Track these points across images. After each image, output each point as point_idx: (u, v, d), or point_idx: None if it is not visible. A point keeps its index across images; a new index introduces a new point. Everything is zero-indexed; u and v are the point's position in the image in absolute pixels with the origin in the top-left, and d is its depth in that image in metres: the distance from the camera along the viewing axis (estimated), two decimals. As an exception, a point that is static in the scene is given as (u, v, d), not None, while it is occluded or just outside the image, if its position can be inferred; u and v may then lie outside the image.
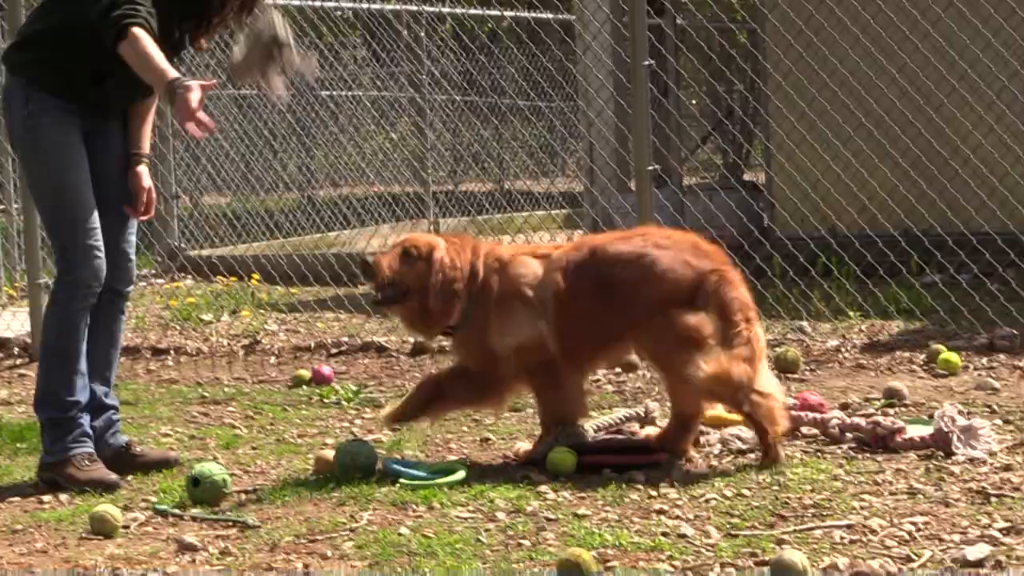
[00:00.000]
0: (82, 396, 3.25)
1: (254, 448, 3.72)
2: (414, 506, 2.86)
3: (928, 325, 5.04)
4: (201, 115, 2.95)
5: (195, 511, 2.94)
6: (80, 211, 3.20)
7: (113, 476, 3.23)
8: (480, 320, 3.17)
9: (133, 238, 3.45)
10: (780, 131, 6.62)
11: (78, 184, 3.21)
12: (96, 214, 3.22)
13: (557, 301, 3.09)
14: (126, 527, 2.86)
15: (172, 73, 2.96)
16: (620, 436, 3.38)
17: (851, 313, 5.22)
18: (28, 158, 3.37)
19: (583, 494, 2.92)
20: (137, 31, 2.97)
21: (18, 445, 3.76)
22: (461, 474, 3.06)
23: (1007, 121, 5.58)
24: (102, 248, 3.23)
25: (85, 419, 3.26)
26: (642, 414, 3.55)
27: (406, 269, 3.17)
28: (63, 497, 3.17)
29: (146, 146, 3.43)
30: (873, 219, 5.79)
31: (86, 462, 3.22)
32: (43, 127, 3.19)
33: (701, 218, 5.93)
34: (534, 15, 10.23)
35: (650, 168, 4.98)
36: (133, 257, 3.47)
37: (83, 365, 3.25)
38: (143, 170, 3.37)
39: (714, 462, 3.22)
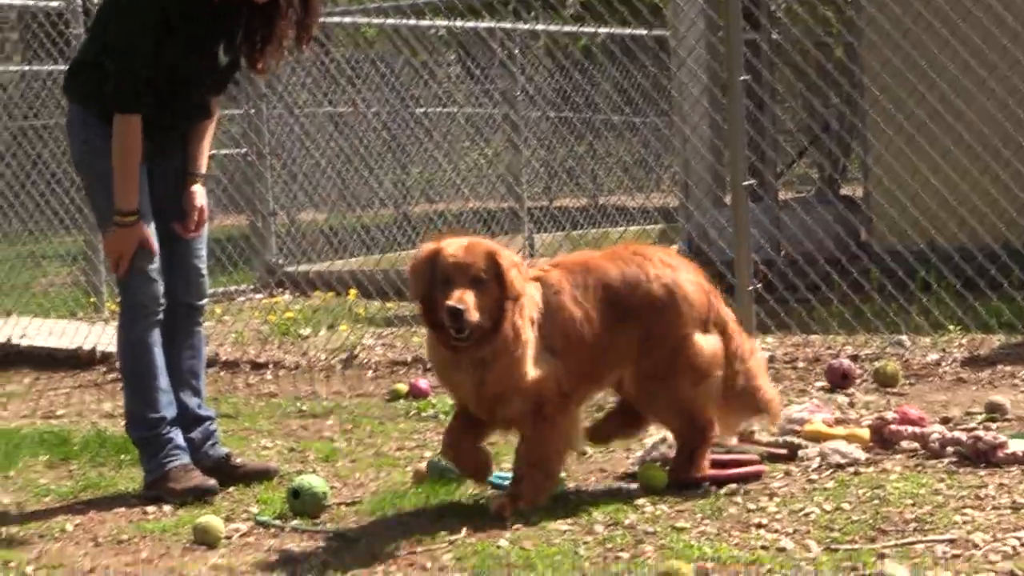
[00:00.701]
0: (168, 412, 3.31)
1: (352, 461, 3.74)
2: (513, 519, 2.85)
3: (1030, 339, 4.92)
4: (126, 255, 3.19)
5: (296, 523, 2.96)
6: None
7: (211, 481, 3.28)
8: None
9: (203, 253, 3.50)
10: (878, 144, 6.49)
11: None
12: (154, 238, 3.29)
13: (564, 330, 2.90)
14: (228, 538, 2.90)
15: (125, 204, 3.17)
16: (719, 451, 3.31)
17: (951, 327, 5.06)
18: (87, 182, 3.46)
19: (681, 507, 2.87)
20: (132, 119, 3.13)
21: (122, 457, 3.86)
22: (559, 487, 3.04)
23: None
24: (158, 271, 3.29)
25: (176, 433, 3.33)
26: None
27: (484, 299, 2.79)
28: (166, 508, 3.23)
29: (203, 166, 3.47)
30: (973, 232, 5.62)
31: (182, 473, 3.28)
32: (100, 153, 3.23)
33: (798, 232, 5.89)
34: (628, 31, 10.19)
35: (746, 183, 4.92)
36: (205, 272, 3.52)
37: (163, 382, 3.32)
38: (198, 189, 3.41)
39: (813, 476, 3.13)
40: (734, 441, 3.35)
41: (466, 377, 2.87)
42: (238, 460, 3.50)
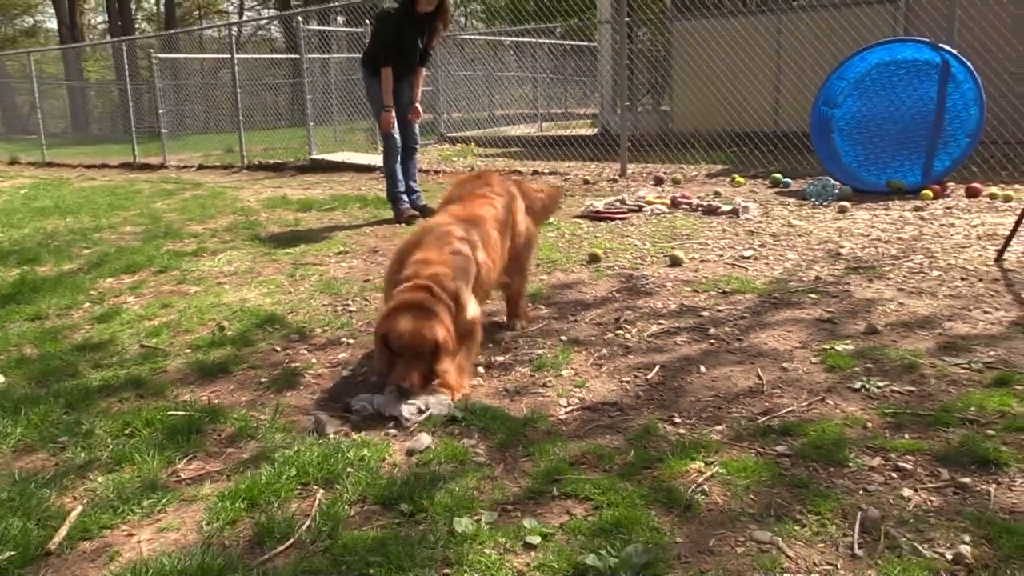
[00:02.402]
0: (401, 187, 7.64)
1: (473, 210, 8.14)
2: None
3: None
4: (385, 125, 7.34)
5: None
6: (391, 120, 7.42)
7: (415, 213, 7.60)
8: None
9: (416, 129, 7.67)
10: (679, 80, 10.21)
11: (392, 116, 7.41)
12: (395, 121, 7.39)
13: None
14: None
15: (387, 100, 7.19)
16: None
17: (701, 161, 9.15)
18: (371, 98, 7.56)
19: (597, 228, 7.00)
20: (386, 70, 7.16)
21: (386, 205, 8.30)
22: (551, 219, 7.26)
23: None
24: (398, 132, 7.43)
25: (405, 197, 7.66)
26: (621, 199, 7.64)
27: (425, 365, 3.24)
28: (402, 227, 7.59)
29: (418, 94, 7.57)
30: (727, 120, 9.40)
31: (406, 206, 7.62)
32: (373, 86, 7.37)
33: (646, 124, 9.85)
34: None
35: (626, 103, 9.19)
36: (417, 134, 7.70)
37: (400, 176, 7.61)
38: (418, 105, 7.56)
39: (648, 218, 7.16)
40: (619, 204, 7.48)
41: None
42: (431, 206, 7.85)
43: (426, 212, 7.70)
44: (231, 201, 9.72)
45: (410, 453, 2.91)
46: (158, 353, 4.21)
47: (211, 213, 8.82)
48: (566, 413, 3.19)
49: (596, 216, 7.18)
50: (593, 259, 5.62)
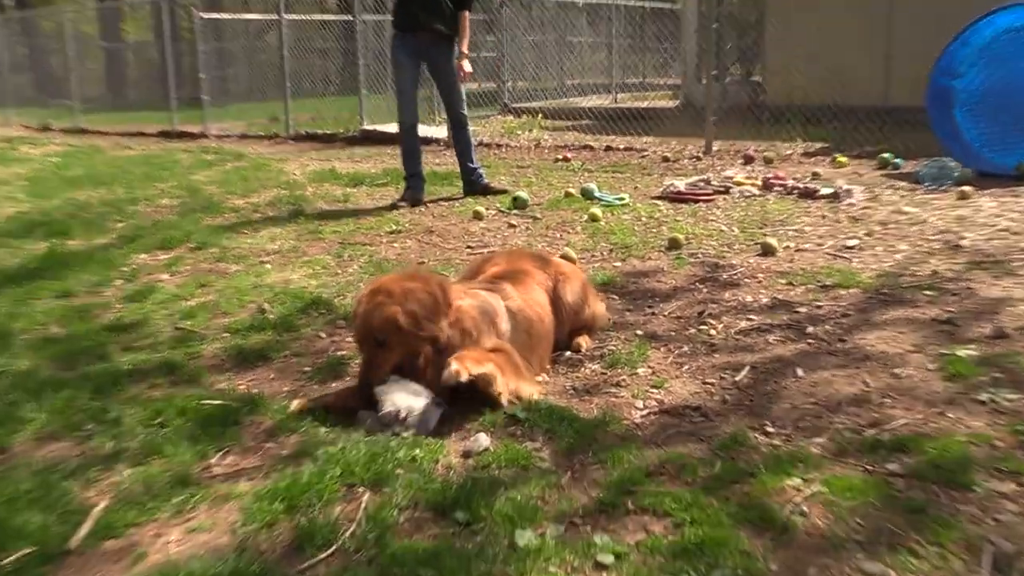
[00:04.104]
0: (417, 168, 7.61)
1: (539, 187, 8.04)
2: (608, 214, 6.91)
3: None
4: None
5: (515, 211, 7.14)
6: (402, 85, 7.42)
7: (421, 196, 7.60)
8: None
9: (463, 93, 7.56)
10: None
11: (404, 78, 7.41)
12: (412, 89, 7.40)
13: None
14: (487, 217, 7.05)
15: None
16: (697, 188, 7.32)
17: (797, 139, 8.93)
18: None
19: (678, 211, 6.86)
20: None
21: (443, 183, 8.30)
22: (627, 200, 7.15)
23: None
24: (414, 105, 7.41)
25: (420, 183, 7.65)
26: (705, 178, 7.52)
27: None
28: (459, 200, 7.56)
29: (465, 44, 7.50)
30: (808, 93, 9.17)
31: (411, 193, 7.57)
32: (393, 50, 7.40)
33: (731, 93, 9.63)
34: None
35: (713, 72, 9.03)
36: (464, 99, 7.58)
37: (419, 154, 7.57)
38: (465, 63, 7.49)
39: (736, 201, 6.98)
40: (702, 184, 7.35)
41: None
42: (493, 184, 7.81)
43: (489, 191, 7.66)
44: (275, 174, 9.82)
45: (467, 455, 2.87)
46: (193, 336, 4.23)
47: (254, 186, 8.92)
48: (642, 416, 3.12)
49: (677, 197, 7.08)
50: (673, 245, 5.54)
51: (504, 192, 7.67)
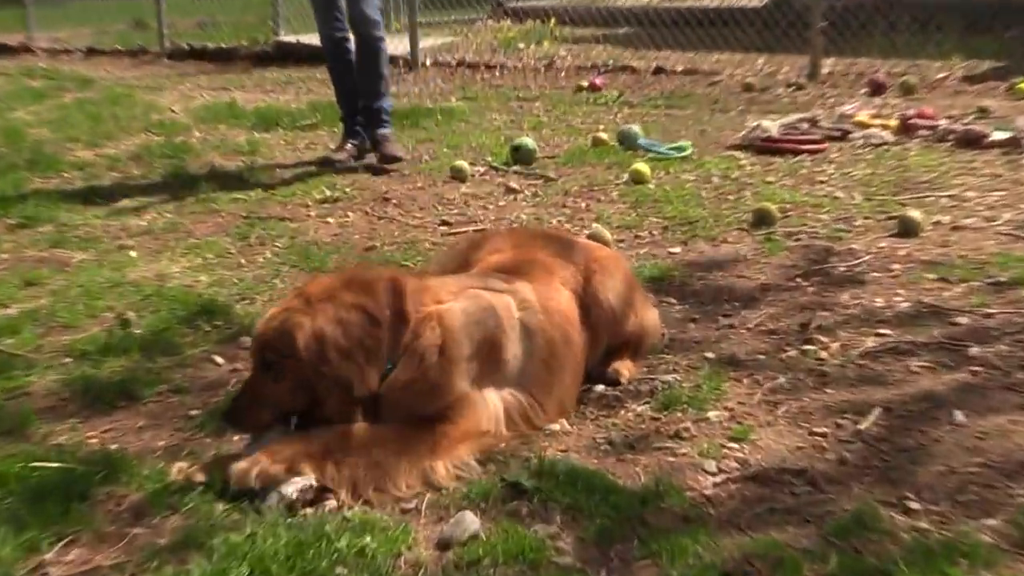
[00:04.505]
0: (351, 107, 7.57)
1: (552, 130, 8.12)
2: (660, 172, 6.89)
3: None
4: None
5: (515, 168, 7.10)
6: None
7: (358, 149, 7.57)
8: None
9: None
10: None
11: None
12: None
13: None
14: (472, 176, 7.02)
15: None
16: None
17: (953, 56, 9.52)
18: None
19: (769, 167, 6.83)
20: None
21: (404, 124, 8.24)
22: (688, 152, 7.13)
23: None
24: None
25: (357, 126, 7.61)
26: (810, 117, 7.54)
27: None
28: (436, 154, 7.54)
29: None
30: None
31: (351, 143, 7.62)
32: None
33: None
34: None
35: None
36: (376, 5, 7.30)
37: (347, 87, 7.48)
38: None
39: (859, 151, 6.97)
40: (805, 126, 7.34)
41: None
42: (398, 154, 7.44)
43: (386, 160, 7.28)
44: (143, 110, 9.81)
45: (444, 545, 2.86)
46: (16, 363, 4.20)
47: (109, 130, 8.89)
48: (716, 486, 3.11)
49: (767, 147, 7.10)
50: (761, 220, 5.55)
51: (399, 160, 7.32)
